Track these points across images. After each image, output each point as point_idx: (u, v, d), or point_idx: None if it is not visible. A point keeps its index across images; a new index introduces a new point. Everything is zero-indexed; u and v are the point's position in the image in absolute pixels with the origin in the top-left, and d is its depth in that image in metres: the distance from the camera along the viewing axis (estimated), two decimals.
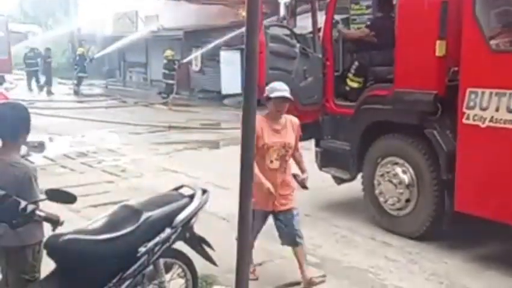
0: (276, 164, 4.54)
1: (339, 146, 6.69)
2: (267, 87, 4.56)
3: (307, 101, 6.64)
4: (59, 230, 3.15)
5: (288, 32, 7.26)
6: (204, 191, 3.70)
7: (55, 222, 3.07)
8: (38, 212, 2.98)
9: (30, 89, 23.17)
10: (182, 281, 3.85)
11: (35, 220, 3.00)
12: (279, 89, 4.52)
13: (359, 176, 6.55)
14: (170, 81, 19.42)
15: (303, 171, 4.76)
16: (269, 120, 4.56)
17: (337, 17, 7.50)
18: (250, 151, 3.02)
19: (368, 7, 11.69)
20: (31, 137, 3.59)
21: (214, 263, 3.81)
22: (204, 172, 8.59)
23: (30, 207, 2.91)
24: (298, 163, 4.79)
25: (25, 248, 3.24)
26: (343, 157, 6.62)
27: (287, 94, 4.52)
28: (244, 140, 3.01)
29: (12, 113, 3.31)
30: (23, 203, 2.90)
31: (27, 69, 23.81)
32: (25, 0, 41.05)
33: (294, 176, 4.70)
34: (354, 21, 12.25)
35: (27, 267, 3.27)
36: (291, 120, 4.67)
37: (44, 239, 3.23)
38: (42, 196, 3.15)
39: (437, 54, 5.44)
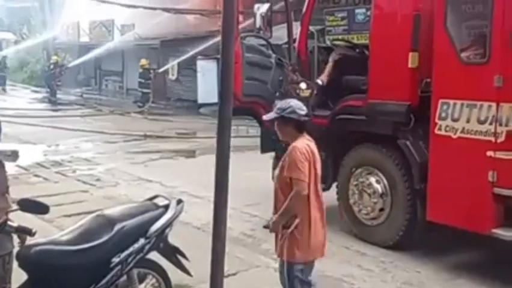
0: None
1: None
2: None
3: None
4: (32, 240, 3.11)
5: (264, 42, 7.31)
6: (179, 201, 3.69)
7: (27, 233, 3.04)
8: (9, 223, 2.94)
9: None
10: None
11: (6, 231, 2.96)
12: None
13: (334, 185, 6.60)
14: (146, 90, 19.38)
15: None
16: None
17: (312, 28, 7.57)
18: (226, 160, 3.06)
19: (342, 18, 11.85)
20: (4, 146, 3.55)
21: (188, 273, 3.80)
22: (179, 181, 8.57)
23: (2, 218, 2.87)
24: None
25: None
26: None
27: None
28: (219, 149, 3.04)
29: None
30: None
31: None
32: (0, 8, 40.49)
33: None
34: (329, 32, 12.40)
35: None
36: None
37: (15, 250, 3.19)
38: (14, 206, 3.12)
39: (409, 65, 5.54)
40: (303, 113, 3.69)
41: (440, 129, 5.21)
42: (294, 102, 3.77)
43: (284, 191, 3.65)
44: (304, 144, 3.66)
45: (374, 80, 5.90)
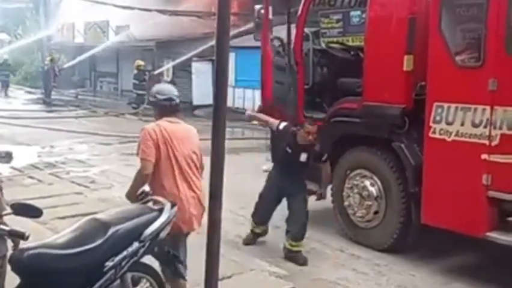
0: None
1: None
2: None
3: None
4: (26, 243, 3.09)
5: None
6: (173, 205, 3.67)
7: (20, 237, 3.01)
8: (2, 227, 2.92)
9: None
10: None
11: None
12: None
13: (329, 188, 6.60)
14: (141, 92, 19.33)
15: None
16: None
17: (307, 30, 7.57)
18: (221, 162, 3.05)
19: (338, 21, 11.83)
20: None
21: (183, 277, 3.78)
22: None
23: None
24: None
25: None
26: (313, 169, 6.65)
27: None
28: (214, 151, 3.03)
29: None
30: None
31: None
32: None
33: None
34: (324, 34, 12.37)
35: None
36: None
37: (8, 254, 3.17)
38: (8, 209, 3.10)
39: (404, 68, 5.56)
40: (163, 97, 4.07)
41: (434, 132, 5.22)
42: (157, 87, 4.23)
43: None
44: (155, 125, 4.02)
45: (369, 83, 5.91)
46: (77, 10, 25.19)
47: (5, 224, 2.98)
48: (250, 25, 17.74)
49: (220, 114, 3.08)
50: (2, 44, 32.74)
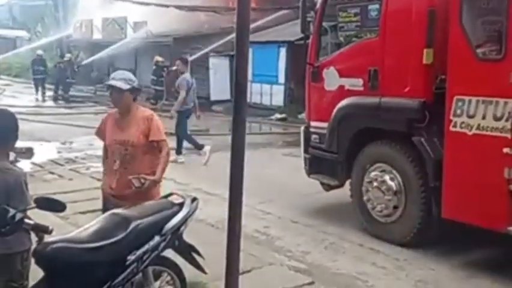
0: (116, 165, 4.24)
1: (327, 152, 6.72)
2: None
3: None
4: (49, 237, 3.14)
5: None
6: (194, 199, 3.70)
7: (44, 231, 3.06)
8: (26, 221, 2.97)
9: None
10: None
11: (23, 228, 2.99)
12: (114, 76, 4.28)
13: (347, 182, 6.59)
14: (159, 88, 19.42)
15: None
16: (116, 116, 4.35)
17: (325, 24, 7.54)
18: (241, 157, 3.05)
19: (355, 14, 11.76)
20: (19, 143, 3.59)
21: (203, 271, 3.80)
22: (192, 179, 8.60)
23: (19, 215, 2.89)
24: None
25: (13, 255, 3.23)
26: (331, 164, 6.65)
27: (114, 82, 4.18)
28: (234, 146, 3.04)
29: (0, 120, 3.31)
30: (11, 211, 2.88)
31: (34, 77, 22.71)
32: (14, 5, 40.84)
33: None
34: (341, 28, 12.30)
35: (15, 274, 3.25)
36: (141, 116, 4.25)
37: (33, 247, 3.23)
38: (32, 204, 3.14)
39: (424, 62, 5.52)
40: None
41: (455, 126, 5.17)
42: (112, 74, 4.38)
43: (147, 152, 4.21)
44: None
45: (388, 77, 5.87)
46: (95, 6, 25.37)
47: (29, 218, 3.02)
48: (269, 18, 17.78)
49: (240, 109, 3.07)
50: (21, 41, 33.14)
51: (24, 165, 9.38)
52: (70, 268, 3.07)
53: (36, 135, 12.57)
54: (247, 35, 2.98)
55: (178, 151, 10.39)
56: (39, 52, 23.42)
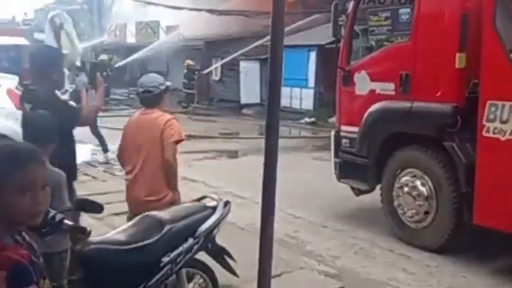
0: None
1: (358, 157, 6.72)
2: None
3: None
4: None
5: None
6: (226, 202, 3.76)
7: (82, 232, 3.15)
8: (66, 222, 3.06)
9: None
10: None
11: (62, 229, 3.08)
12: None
13: (378, 187, 6.57)
14: (190, 91, 19.62)
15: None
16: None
17: (356, 28, 7.56)
18: (274, 161, 3.09)
19: (386, 18, 11.73)
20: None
21: (235, 274, 3.86)
22: (223, 182, 8.67)
23: (59, 216, 2.98)
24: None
25: (52, 255, 3.32)
26: (362, 168, 6.65)
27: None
28: (267, 150, 3.07)
29: (45, 121, 3.45)
30: (52, 212, 2.98)
31: None
32: (51, 9, 41.58)
33: None
34: (372, 32, 12.29)
35: (54, 274, 3.35)
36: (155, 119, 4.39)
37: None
38: (70, 204, 3.24)
39: (456, 66, 5.48)
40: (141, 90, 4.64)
41: (488, 131, 5.12)
42: (141, 79, 4.72)
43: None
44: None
45: (420, 81, 5.85)
46: (129, 11, 25.77)
47: (68, 219, 3.12)
48: (300, 23, 17.79)
49: (273, 113, 3.10)
50: None
51: None
52: (106, 268, 3.16)
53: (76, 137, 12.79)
54: (281, 39, 3.01)
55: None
56: (104, 56, 24.10)
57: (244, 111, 19.10)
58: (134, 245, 3.20)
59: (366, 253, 5.91)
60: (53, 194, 3.19)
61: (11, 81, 9.32)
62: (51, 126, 3.45)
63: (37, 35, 28.61)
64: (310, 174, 9.22)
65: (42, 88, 4.10)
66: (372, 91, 6.47)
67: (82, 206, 3.16)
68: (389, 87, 6.25)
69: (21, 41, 23.82)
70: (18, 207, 1.79)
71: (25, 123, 3.64)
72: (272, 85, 3.05)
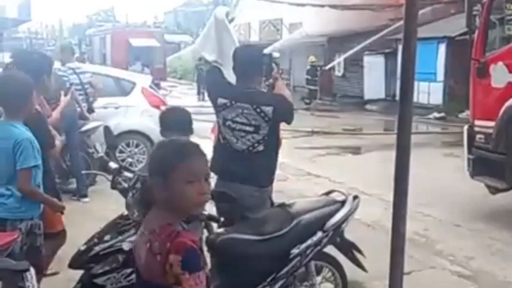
0: None
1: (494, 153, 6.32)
2: None
3: None
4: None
5: None
6: (355, 197, 3.72)
7: (216, 221, 3.27)
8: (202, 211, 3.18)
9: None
10: (331, 285, 3.88)
11: (199, 218, 3.21)
12: None
13: None
14: (313, 87, 19.65)
15: None
16: None
17: (493, 18, 7.11)
18: (406, 157, 3.00)
19: None
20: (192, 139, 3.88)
21: (364, 269, 3.80)
22: (347, 178, 8.56)
23: None
24: None
25: None
26: (498, 165, 6.25)
27: None
28: (399, 147, 2.99)
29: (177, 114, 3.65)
30: None
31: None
32: (179, 12, 43.88)
33: None
34: (510, 21, 11.45)
35: None
36: None
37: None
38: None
39: None
40: None
41: None
42: None
43: None
44: None
45: None
46: (253, 9, 26.35)
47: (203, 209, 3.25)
48: (425, 10, 17.10)
49: (406, 109, 3.02)
50: (185, 45, 35.48)
51: None
52: (238, 258, 3.25)
53: (200, 134, 13.36)
54: (414, 33, 2.92)
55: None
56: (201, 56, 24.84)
57: (367, 106, 18.75)
58: (265, 236, 3.25)
59: (503, 255, 5.55)
60: None
61: (145, 80, 9.87)
62: (186, 119, 3.64)
63: (167, 37, 30.24)
64: (441, 171, 8.84)
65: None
66: (511, 84, 6.08)
67: (218, 198, 3.27)
68: None
69: (153, 42, 25.32)
70: (186, 196, 1.92)
71: None
72: (404, 81, 2.96)
